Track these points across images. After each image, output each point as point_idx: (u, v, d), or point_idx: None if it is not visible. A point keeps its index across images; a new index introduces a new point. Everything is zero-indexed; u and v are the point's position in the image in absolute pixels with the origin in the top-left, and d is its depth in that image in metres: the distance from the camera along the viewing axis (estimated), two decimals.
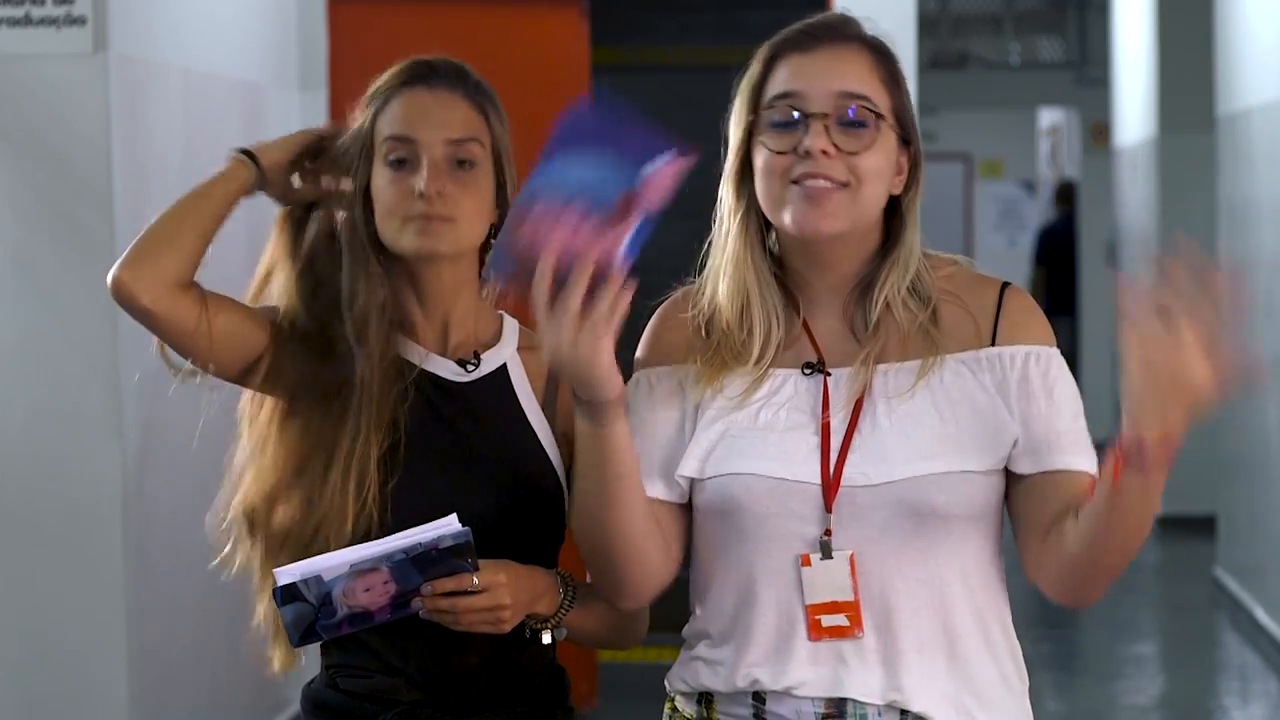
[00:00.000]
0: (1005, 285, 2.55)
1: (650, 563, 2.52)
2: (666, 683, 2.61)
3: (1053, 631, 8.73)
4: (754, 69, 2.53)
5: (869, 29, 2.54)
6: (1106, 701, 7.68)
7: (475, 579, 2.55)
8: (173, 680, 5.38)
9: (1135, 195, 12.51)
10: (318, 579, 2.52)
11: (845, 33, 2.52)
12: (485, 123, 2.71)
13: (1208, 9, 10.00)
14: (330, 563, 2.53)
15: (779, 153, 2.46)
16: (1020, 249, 18.61)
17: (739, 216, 2.53)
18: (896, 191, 2.52)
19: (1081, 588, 2.49)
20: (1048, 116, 19.20)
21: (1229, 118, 9.31)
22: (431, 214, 2.65)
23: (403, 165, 2.67)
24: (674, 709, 2.59)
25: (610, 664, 7.19)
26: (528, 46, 6.91)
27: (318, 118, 6.59)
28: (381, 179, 2.68)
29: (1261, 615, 8.39)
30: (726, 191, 2.55)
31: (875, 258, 2.53)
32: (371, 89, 2.73)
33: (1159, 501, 2.41)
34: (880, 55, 2.52)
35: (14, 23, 4.98)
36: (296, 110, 6.63)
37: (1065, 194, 16.24)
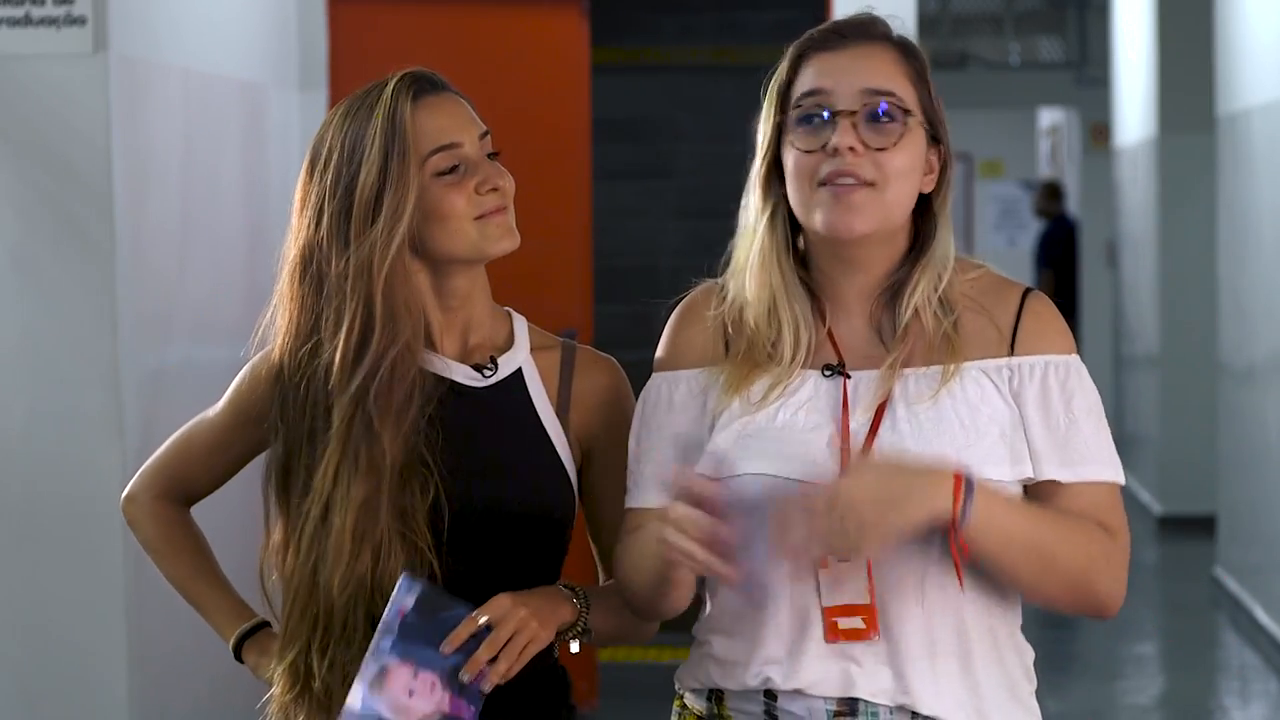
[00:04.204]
0: (1028, 292, 2.54)
1: (682, 598, 2.53)
2: (676, 680, 2.60)
3: (1053, 631, 8.73)
4: (781, 69, 2.53)
5: (896, 28, 2.54)
6: (1106, 701, 7.68)
7: (479, 616, 2.55)
8: (173, 680, 5.37)
9: (1135, 195, 12.50)
10: (371, 714, 2.52)
11: (872, 31, 2.52)
12: (479, 116, 2.72)
13: (1208, 9, 10.00)
14: (356, 695, 2.53)
15: (807, 151, 2.46)
16: (1020, 249, 18.61)
17: (766, 217, 2.52)
18: (927, 190, 2.52)
19: (1069, 605, 2.51)
20: (1048, 116, 19.21)
21: (1229, 118, 9.30)
22: (499, 206, 2.65)
23: (452, 172, 2.65)
24: (683, 706, 2.59)
25: (610, 663, 7.19)
26: (528, 46, 6.91)
27: (318, 118, 6.59)
28: (436, 190, 2.64)
29: (1261, 615, 8.39)
30: (754, 193, 2.54)
31: (904, 260, 2.52)
32: (376, 111, 2.64)
33: (1007, 519, 2.41)
34: (907, 53, 2.52)
35: (14, 23, 4.98)
36: (296, 110, 6.63)
37: (1053, 194, 16.17)
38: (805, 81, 2.49)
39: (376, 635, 2.54)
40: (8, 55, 4.99)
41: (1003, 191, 20.01)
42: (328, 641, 2.64)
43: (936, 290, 2.49)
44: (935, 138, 2.52)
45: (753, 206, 2.54)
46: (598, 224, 7.48)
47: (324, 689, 2.65)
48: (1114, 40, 13.85)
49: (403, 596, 2.53)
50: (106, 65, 4.98)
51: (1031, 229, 18.48)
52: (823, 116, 2.46)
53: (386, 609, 2.54)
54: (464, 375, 2.72)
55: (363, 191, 2.62)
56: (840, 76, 2.47)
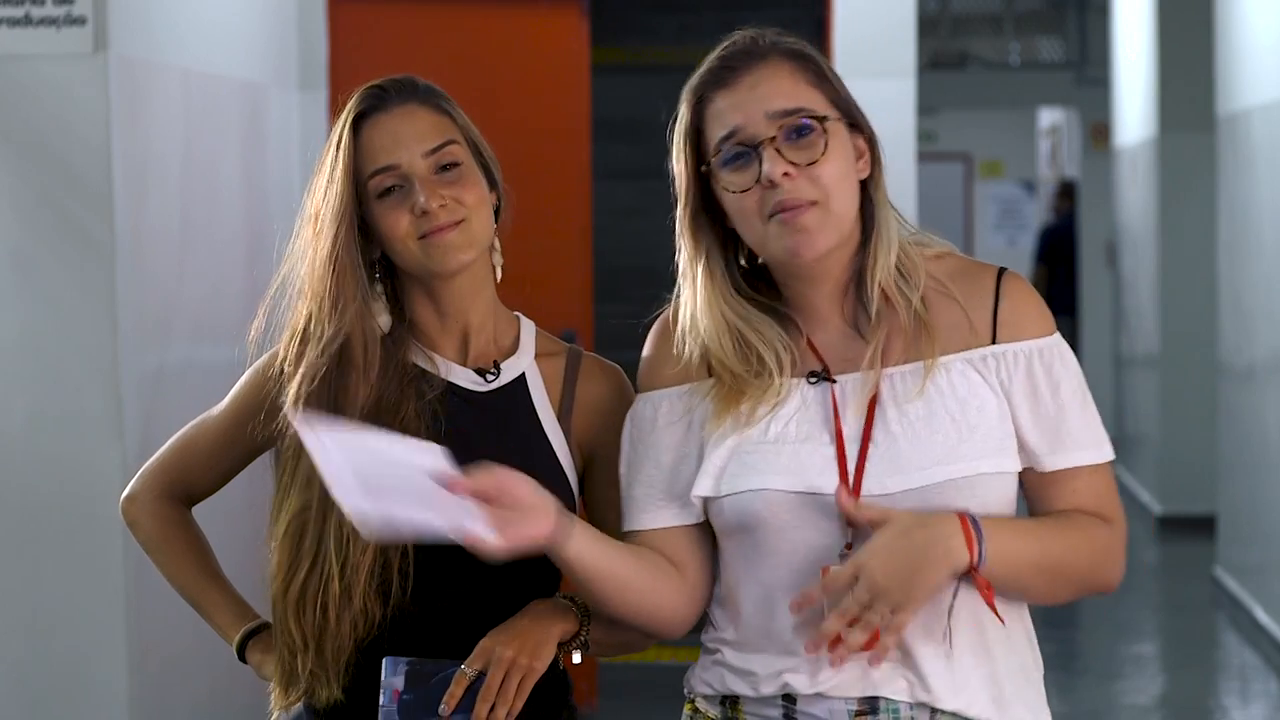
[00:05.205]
0: (1000, 274, 2.54)
1: (667, 606, 2.55)
2: (685, 685, 2.60)
3: (1053, 631, 8.73)
4: (683, 115, 2.53)
5: (776, 37, 2.52)
6: (1106, 701, 7.68)
7: (466, 668, 2.58)
8: (173, 680, 5.37)
9: (1135, 195, 12.50)
10: None
11: (758, 52, 2.51)
12: (450, 120, 2.73)
13: (1208, 9, 10.00)
14: None
15: (744, 190, 2.46)
16: (1020, 249, 18.61)
17: (701, 261, 2.53)
18: (863, 176, 2.51)
19: (1079, 598, 2.57)
20: (1048, 116, 19.21)
21: (1229, 118, 9.30)
22: (441, 225, 2.66)
23: (393, 192, 2.68)
24: (695, 710, 2.58)
25: (610, 664, 7.19)
26: (528, 46, 6.91)
27: (318, 118, 6.59)
28: (379, 212, 2.69)
29: (1261, 615, 8.39)
30: (684, 238, 2.54)
31: (860, 250, 2.52)
32: (333, 131, 2.72)
33: (1015, 551, 2.45)
34: (799, 59, 2.51)
35: (14, 23, 4.98)
36: (296, 110, 6.63)
37: (1066, 193, 16.25)
38: (714, 125, 2.49)
39: None
40: (8, 55, 4.99)
41: (1003, 191, 20.01)
42: (305, 637, 2.66)
43: (891, 262, 2.50)
44: (854, 125, 2.51)
45: (685, 252, 2.54)
46: (598, 224, 7.47)
47: (308, 685, 2.67)
48: (1114, 40, 13.85)
49: (391, 678, 2.59)
50: (106, 65, 4.98)
51: (1031, 229, 18.49)
52: (745, 152, 2.46)
53: (381, 696, 2.59)
54: (465, 379, 2.73)
55: (313, 206, 2.71)
56: (746, 109, 2.47)
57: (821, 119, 2.47)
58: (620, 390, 2.77)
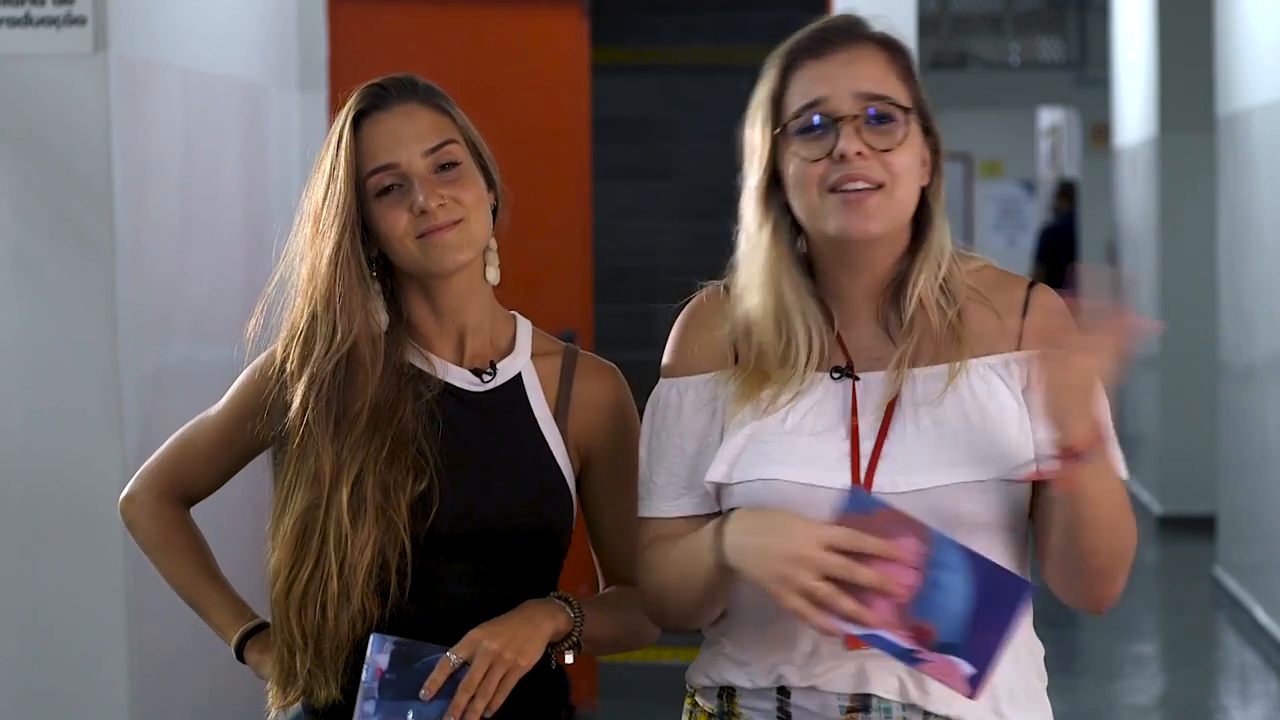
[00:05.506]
0: (1032, 285, 2.54)
1: (719, 610, 2.53)
2: (686, 679, 2.60)
3: (1053, 631, 8.71)
4: (770, 79, 2.51)
5: (879, 26, 2.53)
6: (1106, 701, 7.67)
7: (451, 655, 2.58)
8: (173, 680, 5.38)
9: (1135, 195, 12.51)
10: None
11: (857, 33, 2.52)
12: (450, 120, 2.73)
13: (1208, 9, 10.00)
14: None
15: (813, 160, 2.45)
16: (1020, 249, 18.62)
17: (768, 229, 2.51)
18: (924, 182, 2.51)
19: (1084, 589, 2.50)
20: (1048, 116, 19.23)
21: (1229, 118, 9.30)
22: (439, 224, 2.66)
23: (392, 191, 2.68)
24: (694, 704, 2.59)
25: (610, 663, 7.19)
26: (528, 46, 6.91)
27: (318, 118, 6.59)
28: (378, 210, 2.69)
29: (1261, 615, 8.39)
30: (752, 205, 2.52)
31: (906, 254, 2.52)
32: (333, 129, 2.72)
33: (1118, 486, 2.42)
34: (893, 51, 2.52)
35: (14, 23, 4.98)
36: (296, 110, 6.63)
37: (1066, 193, 16.26)
38: (799, 91, 2.48)
39: (359, 700, 2.59)
40: (8, 55, 4.99)
41: (1003, 191, 20.02)
42: (304, 636, 2.66)
43: (937, 279, 2.50)
44: (926, 129, 2.52)
45: (751, 218, 2.52)
46: (598, 224, 7.47)
47: (307, 684, 2.68)
48: (1114, 40, 13.85)
49: (376, 656, 2.59)
50: (106, 65, 4.98)
51: (1031, 229, 18.50)
52: (824, 124, 2.45)
53: (364, 672, 2.59)
54: (462, 379, 2.72)
55: (312, 205, 2.71)
56: (835, 82, 2.47)
57: (905, 110, 2.48)
58: (617, 389, 2.77)
